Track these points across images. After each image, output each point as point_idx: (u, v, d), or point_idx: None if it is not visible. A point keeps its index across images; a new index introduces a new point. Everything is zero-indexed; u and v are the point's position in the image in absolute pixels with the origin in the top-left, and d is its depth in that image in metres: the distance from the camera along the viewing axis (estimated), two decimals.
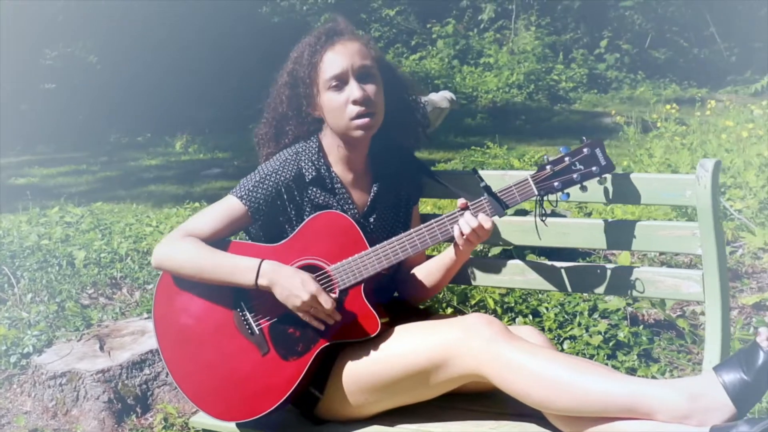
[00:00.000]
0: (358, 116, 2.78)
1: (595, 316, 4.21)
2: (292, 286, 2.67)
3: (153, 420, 4.02)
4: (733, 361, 2.41)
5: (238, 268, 2.73)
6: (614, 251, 4.96)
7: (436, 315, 3.10)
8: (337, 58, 2.80)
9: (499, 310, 4.29)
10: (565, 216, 4.52)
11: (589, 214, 5.76)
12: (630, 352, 3.96)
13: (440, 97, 5.51)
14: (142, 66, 14.29)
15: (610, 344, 3.97)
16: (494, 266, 3.06)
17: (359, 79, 2.78)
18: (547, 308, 4.27)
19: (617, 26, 18.32)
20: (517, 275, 3.01)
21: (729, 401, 2.37)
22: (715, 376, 2.40)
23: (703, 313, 4.30)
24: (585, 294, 4.38)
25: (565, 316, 4.23)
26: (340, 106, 2.79)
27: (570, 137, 11.74)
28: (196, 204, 7.74)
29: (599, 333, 4.01)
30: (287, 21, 17.33)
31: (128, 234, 6.39)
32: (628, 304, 4.27)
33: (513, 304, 4.36)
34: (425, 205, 5.47)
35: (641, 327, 4.14)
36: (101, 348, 4.25)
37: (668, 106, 8.21)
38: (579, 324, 4.13)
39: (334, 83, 2.78)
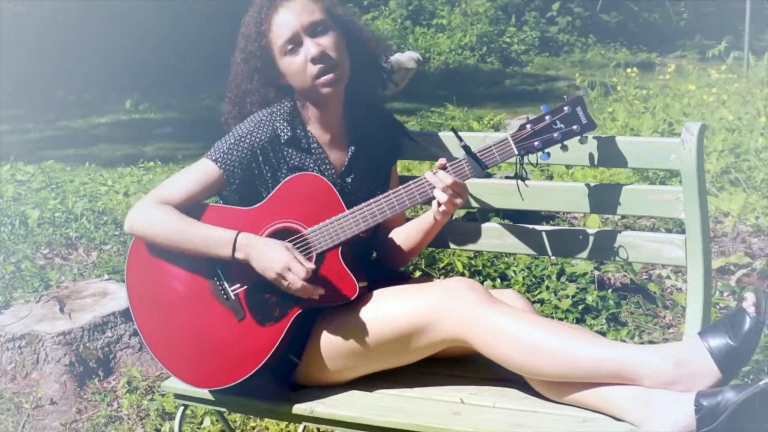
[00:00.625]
0: (320, 73, 2.71)
1: (563, 279, 4.20)
2: (267, 258, 2.60)
3: (116, 383, 3.95)
4: (719, 327, 2.40)
5: (214, 240, 2.66)
6: (576, 215, 4.94)
7: (414, 279, 3.05)
8: (284, 21, 2.72)
9: (467, 273, 4.26)
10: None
11: (550, 177, 5.73)
12: (598, 315, 3.95)
13: (407, 57, 5.41)
14: (92, 24, 13.98)
15: (579, 308, 3.97)
16: (472, 229, 3.02)
17: (312, 35, 2.71)
18: (515, 272, 4.25)
19: None
20: (495, 239, 2.97)
21: (715, 367, 2.36)
22: (701, 342, 2.39)
23: (668, 277, 4.31)
24: (553, 257, 4.36)
25: (533, 280, 4.21)
26: (300, 67, 2.72)
27: (524, 101, 11.74)
28: (150, 163, 7.61)
29: (568, 297, 4.00)
30: None
31: (83, 193, 6.26)
32: (596, 268, 4.26)
33: (481, 268, 4.33)
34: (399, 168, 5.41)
35: (609, 291, 4.14)
36: (61, 310, 4.16)
37: (629, 70, 8.21)
38: (547, 288, 4.11)
39: (289, 47, 2.72)
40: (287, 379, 2.78)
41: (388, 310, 2.66)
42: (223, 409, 2.98)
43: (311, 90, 2.75)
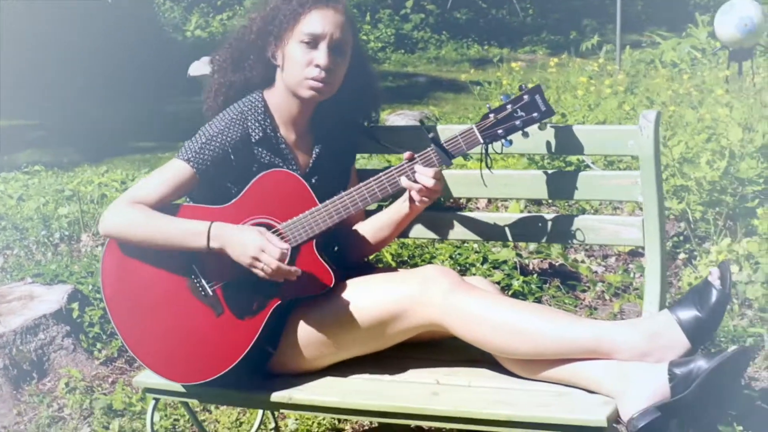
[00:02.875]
0: (314, 79, 2.79)
1: (487, 266, 4.35)
2: (241, 242, 2.67)
3: (53, 385, 3.92)
4: (687, 300, 2.58)
5: (189, 233, 2.71)
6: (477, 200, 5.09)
7: (378, 269, 3.15)
8: (321, 20, 2.80)
9: (393, 264, 4.37)
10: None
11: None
12: (525, 300, 4.11)
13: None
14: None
15: (508, 293, 4.12)
16: (434, 219, 3.13)
17: (330, 48, 2.79)
18: (442, 261, 4.38)
19: None
20: (452, 227, 3.09)
21: (685, 338, 2.54)
22: (671, 315, 2.56)
23: (583, 261, 4.52)
24: (475, 246, 4.52)
25: (459, 268, 4.35)
26: (303, 62, 2.79)
27: (389, 98, 11.91)
28: (36, 167, 7.45)
29: (496, 283, 4.14)
30: None
31: None
32: (518, 255, 4.43)
33: (407, 258, 4.45)
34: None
35: (534, 276, 4.31)
36: None
37: (515, 64, 8.45)
38: (474, 275, 4.25)
39: (307, 39, 2.78)
40: (261, 368, 2.84)
41: (363, 299, 2.75)
42: (194, 401, 3.02)
43: (296, 84, 2.81)
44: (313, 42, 2.78)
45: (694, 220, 4.51)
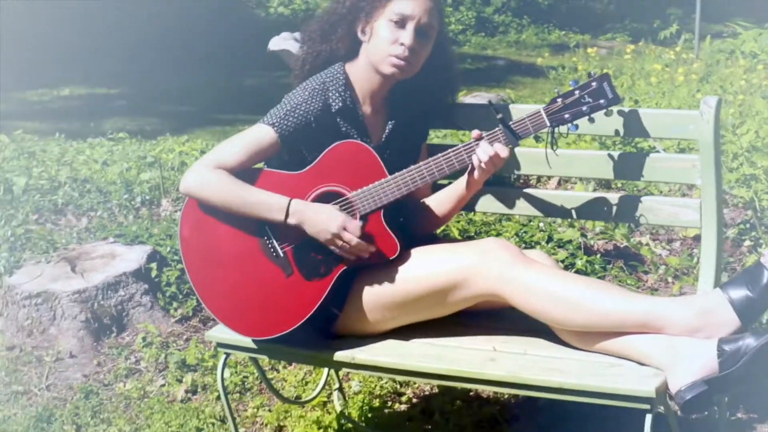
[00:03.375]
0: (397, 57, 2.91)
1: (551, 245, 4.45)
2: (320, 221, 2.82)
3: (131, 339, 4.12)
4: (739, 280, 2.66)
5: (269, 205, 2.87)
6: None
7: (441, 239, 3.28)
8: (412, 2, 2.92)
9: (460, 239, 4.49)
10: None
11: None
12: None
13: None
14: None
15: (571, 272, 4.21)
16: (502, 194, 3.24)
17: (417, 32, 2.91)
18: (508, 238, 4.48)
19: None
20: (518, 203, 3.20)
21: (735, 316, 2.62)
22: (722, 294, 2.65)
23: (647, 244, 4.59)
24: (541, 225, 4.62)
25: (524, 246, 4.45)
26: (388, 39, 2.92)
27: (467, 80, 11.98)
28: (121, 134, 7.69)
29: (560, 261, 4.25)
30: None
31: (64, 162, 6.36)
32: (583, 235, 4.53)
33: (473, 234, 4.57)
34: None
35: (598, 256, 4.40)
36: (73, 270, 4.30)
37: (591, 50, 8.51)
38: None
39: (396, 18, 2.91)
40: (326, 329, 2.99)
41: (426, 267, 2.88)
42: (264, 357, 3.18)
43: (378, 60, 2.94)
44: (401, 22, 2.90)
45: (761, 209, 4.55)
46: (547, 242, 4.46)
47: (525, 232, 4.56)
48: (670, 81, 6.67)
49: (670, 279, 4.36)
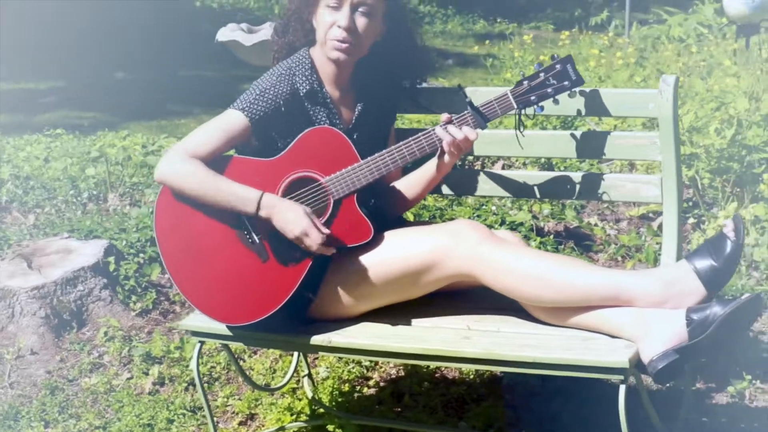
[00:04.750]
0: (337, 40, 2.97)
1: (504, 228, 4.53)
2: (287, 220, 2.87)
3: (92, 334, 4.11)
4: (703, 250, 2.77)
5: (241, 198, 2.91)
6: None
7: (412, 222, 3.33)
8: None
9: (428, 221, 4.55)
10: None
11: None
12: None
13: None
14: None
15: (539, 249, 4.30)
16: (465, 176, 3.31)
17: (353, 10, 2.97)
18: None
19: None
20: (486, 184, 3.27)
21: (701, 285, 2.73)
22: (687, 264, 2.75)
23: (597, 224, 4.71)
24: (493, 208, 4.71)
25: None
26: (327, 24, 2.98)
27: None
28: (58, 130, 7.62)
29: None
30: None
31: (5, 159, 6.29)
32: (534, 217, 4.62)
33: (428, 219, 4.63)
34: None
35: (551, 237, 4.50)
36: (29, 266, 4.28)
37: (526, 36, 8.64)
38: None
39: (332, 3, 2.97)
40: (301, 314, 3.03)
41: (399, 250, 2.94)
42: (239, 344, 3.21)
43: (322, 46, 3.01)
44: (337, 5, 2.97)
45: (702, 187, 4.69)
46: (500, 225, 4.55)
47: (478, 216, 4.64)
48: (607, 65, 6.82)
49: (620, 258, 4.47)
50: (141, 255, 4.49)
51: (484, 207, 4.75)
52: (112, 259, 4.35)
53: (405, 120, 5.60)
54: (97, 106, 9.65)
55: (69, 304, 4.15)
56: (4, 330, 4.07)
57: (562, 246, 4.50)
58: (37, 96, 10.58)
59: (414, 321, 3.01)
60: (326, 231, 2.87)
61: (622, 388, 2.65)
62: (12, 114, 9.23)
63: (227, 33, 5.95)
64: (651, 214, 4.76)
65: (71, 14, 12.63)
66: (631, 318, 2.75)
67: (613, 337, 2.78)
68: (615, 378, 2.67)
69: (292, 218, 2.86)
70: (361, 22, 2.98)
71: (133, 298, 4.31)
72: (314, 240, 2.84)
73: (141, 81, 11.04)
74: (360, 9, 2.98)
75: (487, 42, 11.16)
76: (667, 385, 3.39)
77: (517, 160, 5.12)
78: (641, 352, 2.70)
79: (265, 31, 5.94)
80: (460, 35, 15.90)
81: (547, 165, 5.00)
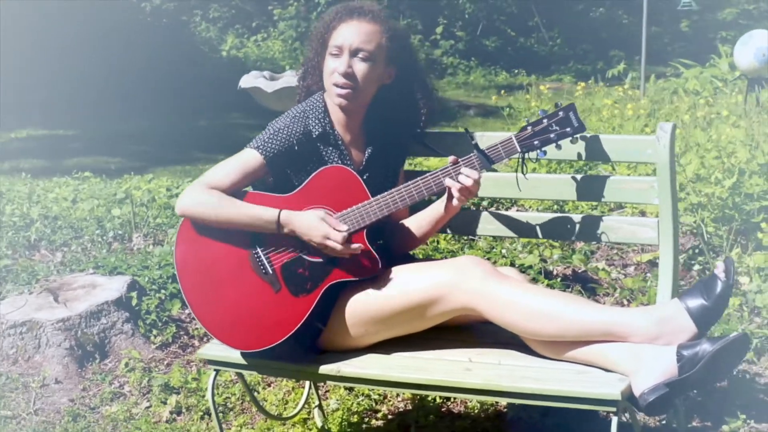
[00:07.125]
0: (338, 86, 3.17)
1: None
2: (309, 227, 3.05)
3: (113, 365, 4.27)
4: (695, 290, 2.91)
5: (261, 217, 3.09)
6: None
7: (419, 259, 3.49)
8: (345, 32, 3.18)
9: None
10: None
11: None
12: None
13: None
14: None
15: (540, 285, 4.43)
16: (470, 217, 3.47)
17: (352, 56, 3.17)
18: None
19: (449, 14, 18.88)
20: (489, 224, 3.43)
21: (692, 323, 2.87)
22: (680, 303, 2.89)
23: (604, 269, 4.84)
24: (503, 251, 4.86)
25: None
26: (330, 71, 3.19)
27: None
28: (86, 173, 7.86)
29: None
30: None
31: (35, 200, 6.51)
32: (543, 260, 4.77)
33: (440, 258, 4.79)
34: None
35: (558, 280, 4.64)
36: (56, 300, 4.46)
37: (543, 87, 8.84)
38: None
39: (334, 51, 3.18)
40: (312, 344, 3.19)
41: (406, 284, 3.10)
42: (253, 372, 3.36)
43: (329, 92, 3.21)
44: (338, 53, 3.18)
45: (707, 235, 4.82)
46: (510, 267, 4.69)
47: (488, 258, 4.79)
48: (620, 116, 6.99)
49: (625, 301, 4.60)
50: (162, 291, 4.66)
51: (494, 250, 4.90)
52: (134, 294, 4.52)
53: (414, 163, 5.78)
54: (124, 152, 9.94)
55: (92, 336, 4.32)
56: (30, 360, 4.24)
57: (570, 289, 4.64)
58: (66, 141, 10.86)
59: (420, 353, 3.15)
60: (344, 227, 3.05)
61: (614, 420, 2.79)
62: (42, 159, 9.51)
63: (250, 80, 6.15)
64: (657, 260, 4.89)
65: (101, 65, 12.97)
66: (626, 353, 2.88)
67: (607, 370, 2.91)
68: (607, 410, 2.80)
69: (313, 225, 3.05)
70: (359, 67, 3.17)
71: (154, 331, 4.47)
72: (336, 240, 3.02)
73: (166, 128, 11.32)
74: (359, 55, 3.17)
75: (503, 92, 11.37)
76: (661, 421, 3.51)
77: (531, 207, 5.27)
78: (633, 385, 2.84)
79: (286, 78, 6.13)
80: (482, 86, 16.11)
81: (559, 209, 5.15)
